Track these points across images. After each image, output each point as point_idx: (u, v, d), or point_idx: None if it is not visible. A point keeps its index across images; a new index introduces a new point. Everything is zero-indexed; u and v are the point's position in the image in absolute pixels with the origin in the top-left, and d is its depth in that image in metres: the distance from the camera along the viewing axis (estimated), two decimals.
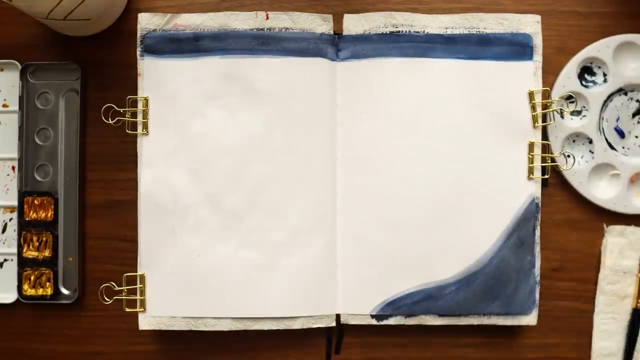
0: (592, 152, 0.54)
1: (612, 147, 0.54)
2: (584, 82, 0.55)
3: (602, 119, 0.55)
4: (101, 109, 0.52)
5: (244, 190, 0.52)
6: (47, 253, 0.54)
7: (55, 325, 0.54)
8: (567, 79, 0.54)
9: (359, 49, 0.53)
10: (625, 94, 0.55)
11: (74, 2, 0.48)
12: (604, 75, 0.54)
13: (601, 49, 0.54)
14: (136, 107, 0.52)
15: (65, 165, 0.54)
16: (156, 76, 0.52)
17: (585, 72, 0.55)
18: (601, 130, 0.54)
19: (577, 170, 0.54)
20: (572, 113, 0.55)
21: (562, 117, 0.54)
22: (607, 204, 0.54)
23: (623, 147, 0.54)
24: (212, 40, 0.52)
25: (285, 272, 0.52)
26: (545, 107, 0.53)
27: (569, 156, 0.53)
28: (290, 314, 0.52)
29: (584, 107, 0.55)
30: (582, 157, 0.55)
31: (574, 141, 0.55)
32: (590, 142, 0.54)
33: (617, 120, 0.54)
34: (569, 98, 0.54)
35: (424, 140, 0.53)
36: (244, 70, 0.52)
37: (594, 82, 0.55)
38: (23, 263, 0.53)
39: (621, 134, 0.54)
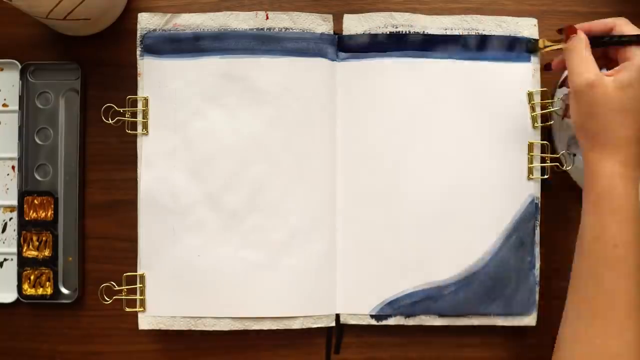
0: None
1: None
2: None
3: None
4: (101, 109, 0.52)
5: (244, 190, 0.52)
6: (47, 253, 0.54)
7: (55, 325, 0.54)
8: None
9: (359, 49, 0.53)
10: None
11: (74, 2, 0.48)
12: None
13: None
14: (136, 107, 0.52)
15: (65, 165, 0.54)
16: (156, 76, 0.52)
17: None
18: None
19: (582, 169, 0.54)
20: None
21: (569, 116, 0.54)
22: None
23: None
24: (212, 40, 0.52)
25: (285, 272, 0.52)
26: (544, 107, 0.53)
27: (574, 155, 0.53)
28: (289, 313, 0.52)
29: None
30: None
31: None
32: None
33: None
34: None
35: (423, 140, 0.53)
36: (244, 70, 0.52)
37: None
38: (23, 263, 0.53)
39: None
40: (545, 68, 0.52)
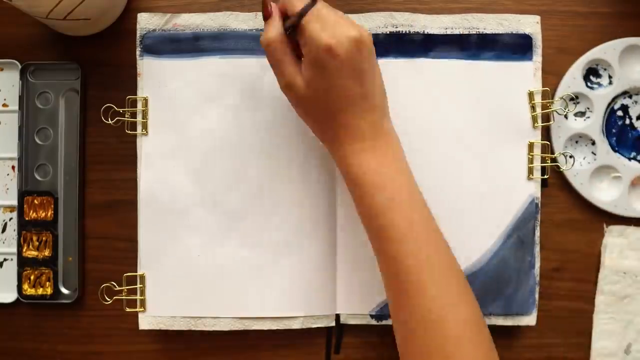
0: (595, 154, 0.54)
1: (614, 150, 0.54)
2: (589, 84, 0.55)
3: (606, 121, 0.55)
4: (101, 109, 0.52)
5: (244, 190, 0.52)
6: (47, 253, 0.54)
7: (55, 325, 0.54)
8: (573, 80, 0.54)
9: None
10: (630, 97, 0.54)
11: (74, 2, 0.48)
12: (610, 77, 0.54)
13: (607, 51, 0.54)
14: (136, 107, 0.52)
15: (65, 165, 0.54)
16: (156, 76, 0.52)
17: (591, 73, 0.55)
18: (604, 132, 0.54)
19: (578, 171, 0.54)
20: (576, 114, 0.55)
21: (566, 117, 0.54)
22: (608, 207, 0.54)
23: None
24: (212, 40, 0.52)
25: (285, 272, 0.52)
26: (545, 107, 0.53)
27: (571, 156, 0.53)
28: (289, 313, 0.52)
29: (588, 108, 0.55)
30: (584, 158, 0.55)
31: (576, 142, 0.55)
32: (593, 143, 0.54)
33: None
34: (572, 99, 0.54)
35: (423, 140, 0.53)
36: (244, 70, 0.52)
37: (599, 84, 0.55)
38: (23, 263, 0.53)
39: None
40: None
